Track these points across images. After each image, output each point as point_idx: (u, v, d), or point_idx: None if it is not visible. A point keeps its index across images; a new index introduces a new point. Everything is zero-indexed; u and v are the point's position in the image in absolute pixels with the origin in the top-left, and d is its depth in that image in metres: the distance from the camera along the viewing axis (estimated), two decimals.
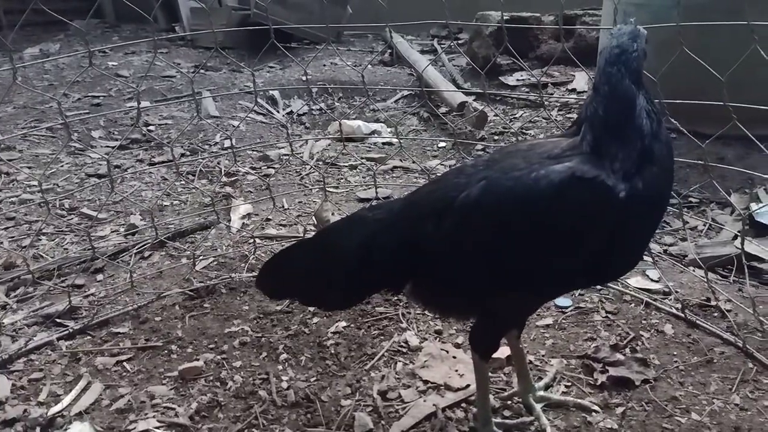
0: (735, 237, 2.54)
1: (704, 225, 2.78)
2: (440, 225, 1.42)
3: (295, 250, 1.72)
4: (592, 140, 1.32)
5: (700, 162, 2.07)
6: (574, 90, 4.71)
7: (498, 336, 1.58)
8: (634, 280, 2.31)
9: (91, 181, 3.24)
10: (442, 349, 1.97)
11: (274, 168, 3.48)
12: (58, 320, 2.21)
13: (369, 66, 5.62)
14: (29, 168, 3.43)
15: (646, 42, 1.38)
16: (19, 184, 3.26)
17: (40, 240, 2.74)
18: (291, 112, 4.73)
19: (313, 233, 2.57)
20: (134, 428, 1.74)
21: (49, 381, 1.93)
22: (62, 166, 3.44)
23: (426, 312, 2.16)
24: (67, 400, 1.85)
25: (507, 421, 1.70)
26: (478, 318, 1.58)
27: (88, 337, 2.13)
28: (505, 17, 5.25)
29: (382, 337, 2.07)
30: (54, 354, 2.05)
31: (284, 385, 1.88)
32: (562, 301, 2.20)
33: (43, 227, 2.73)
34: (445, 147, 3.91)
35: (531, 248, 1.33)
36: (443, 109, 4.44)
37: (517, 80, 4.98)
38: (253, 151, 3.65)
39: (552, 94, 4.68)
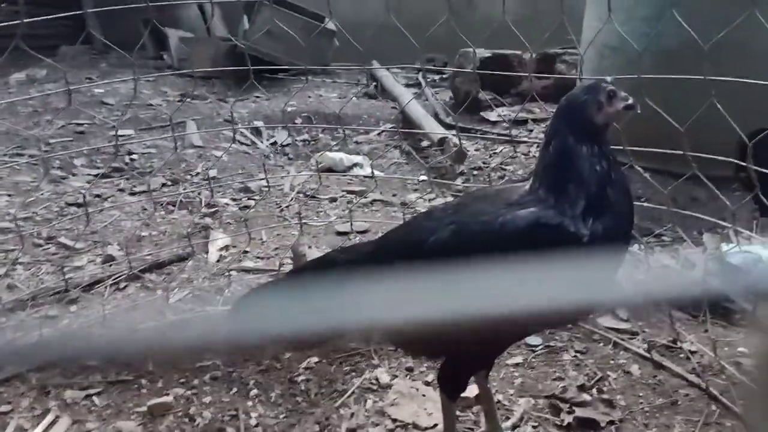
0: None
1: (676, 263, 2.83)
2: (410, 268, 1.45)
3: (268, 289, 1.75)
4: (550, 187, 1.38)
5: (662, 207, 2.13)
6: None
7: (465, 376, 1.61)
8: (604, 319, 2.34)
9: (70, 210, 3.25)
10: (411, 387, 1.99)
11: (254, 200, 3.51)
12: None
13: (354, 98, 5.70)
14: (8, 196, 3.43)
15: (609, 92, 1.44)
16: None
17: (16, 269, 2.73)
18: (275, 142, 4.77)
19: (289, 268, 2.58)
20: None
21: (17, 414, 1.92)
22: (42, 194, 3.45)
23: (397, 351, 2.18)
24: None
25: None
26: (446, 358, 1.61)
27: (58, 370, 2.12)
28: (486, 54, 5.37)
29: (353, 374, 2.08)
30: (23, 386, 2.04)
31: (253, 422, 1.88)
32: (532, 339, 2.23)
33: (19, 257, 2.73)
34: (425, 181, 3.96)
35: None
36: (425, 143, 4.51)
37: (498, 116, 5.08)
38: (234, 182, 3.68)
39: (531, 130, 4.77)
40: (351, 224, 2.86)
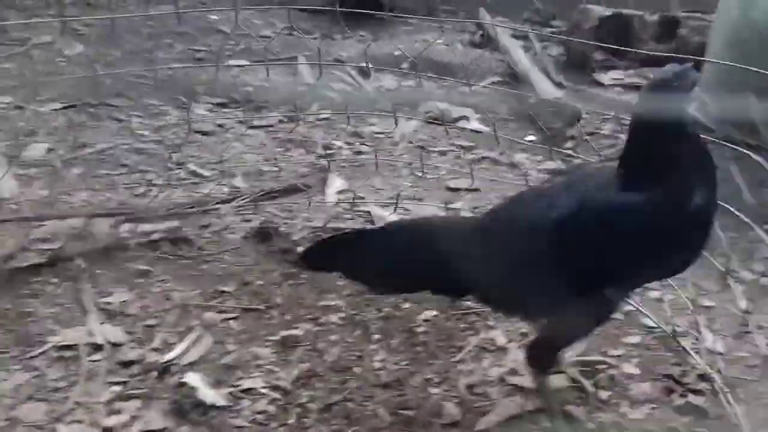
0: None
1: None
2: (532, 243, 1.58)
3: (370, 235, 2.01)
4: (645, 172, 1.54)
5: None
6: None
7: (560, 348, 1.74)
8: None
9: (196, 137, 3.41)
10: None
11: (366, 145, 3.58)
12: None
13: (460, 46, 5.60)
14: (139, 117, 3.62)
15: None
16: (130, 131, 3.46)
17: (152, 190, 2.93)
18: (380, 86, 4.78)
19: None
20: (240, 385, 1.90)
21: (163, 329, 2.11)
22: (170, 119, 3.62)
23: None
24: (179, 349, 2.03)
25: None
26: (545, 328, 1.75)
27: (198, 291, 2.30)
28: (607, 13, 5.12)
29: (470, 332, 2.16)
30: (167, 303, 2.23)
31: (376, 365, 2.00)
32: (649, 320, 2.23)
33: (154, 179, 2.93)
34: (534, 141, 3.91)
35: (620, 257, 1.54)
36: (533, 100, 4.42)
37: (612, 79, 4.89)
38: (347, 125, 3.74)
39: None
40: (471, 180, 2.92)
